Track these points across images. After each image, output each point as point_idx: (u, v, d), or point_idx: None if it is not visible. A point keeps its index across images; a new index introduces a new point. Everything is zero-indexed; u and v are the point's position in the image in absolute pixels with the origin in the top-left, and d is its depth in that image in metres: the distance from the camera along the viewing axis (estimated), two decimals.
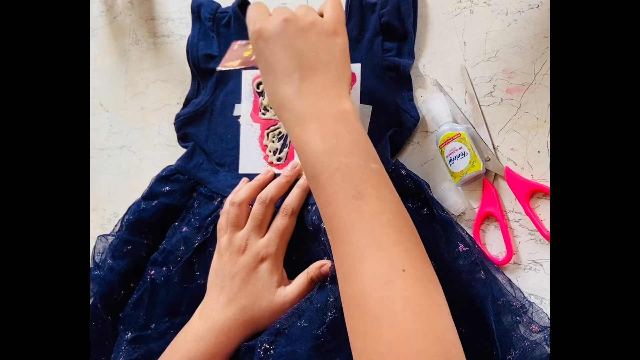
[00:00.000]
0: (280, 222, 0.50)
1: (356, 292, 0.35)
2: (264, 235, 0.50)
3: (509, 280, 0.45)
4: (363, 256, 0.36)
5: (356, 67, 0.54)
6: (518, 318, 0.42)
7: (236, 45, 0.48)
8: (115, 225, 0.57)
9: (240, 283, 0.48)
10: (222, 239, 0.50)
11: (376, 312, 0.34)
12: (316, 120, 0.41)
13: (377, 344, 0.33)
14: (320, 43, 0.43)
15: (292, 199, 0.51)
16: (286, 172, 0.53)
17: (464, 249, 0.44)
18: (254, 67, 0.50)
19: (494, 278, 0.44)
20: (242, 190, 0.52)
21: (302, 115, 0.41)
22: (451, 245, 0.45)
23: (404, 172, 0.49)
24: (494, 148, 0.48)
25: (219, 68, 0.49)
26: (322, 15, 0.45)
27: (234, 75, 0.59)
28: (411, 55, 0.52)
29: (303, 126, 0.41)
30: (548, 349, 0.41)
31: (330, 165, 0.39)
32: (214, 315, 0.47)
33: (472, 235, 0.47)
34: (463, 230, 0.47)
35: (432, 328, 0.33)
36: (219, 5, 0.61)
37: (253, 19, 0.44)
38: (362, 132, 0.42)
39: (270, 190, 0.51)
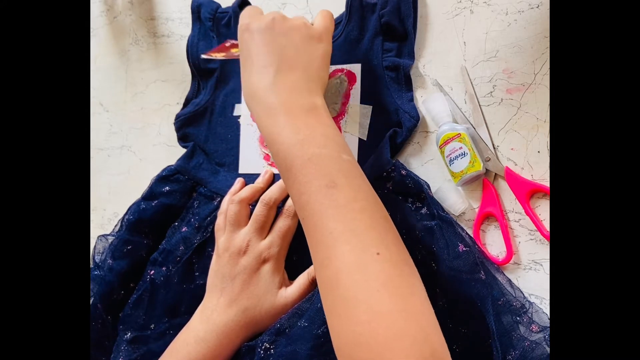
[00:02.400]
0: (283, 223, 0.50)
1: (331, 276, 0.36)
2: (266, 236, 0.50)
3: (509, 280, 0.45)
4: (337, 241, 0.36)
5: (356, 67, 0.54)
6: (518, 318, 0.42)
7: (229, 42, 0.50)
8: (115, 225, 0.57)
9: (241, 284, 0.48)
10: (221, 239, 0.50)
11: (352, 294, 0.34)
12: (288, 113, 0.42)
13: (354, 324, 0.33)
14: (303, 45, 0.45)
15: None
16: None
17: (464, 249, 0.44)
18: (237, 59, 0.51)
19: (494, 278, 0.44)
20: (243, 190, 0.52)
21: (274, 107, 0.42)
22: (451, 245, 0.45)
23: (404, 172, 0.49)
24: (494, 148, 0.48)
25: (203, 56, 0.51)
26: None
27: (234, 76, 0.59)
28: (411, 56, 0.52)
29: (274, 118, 0.42)
30: (548, 349, 0.41)
31: (302, 156, 0.39)
32: (215, 317, 0.47)
33: (472, 235, 0.47)
34: (463, 230, 0.47)
35: (407, 308, 0.34)
36: (219, 5, 0.61)
37: (245, 15, 0.47)
38: (333, 126, 0.43)
39: (274, 192, 0.51)
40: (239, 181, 0.54)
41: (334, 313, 0.35)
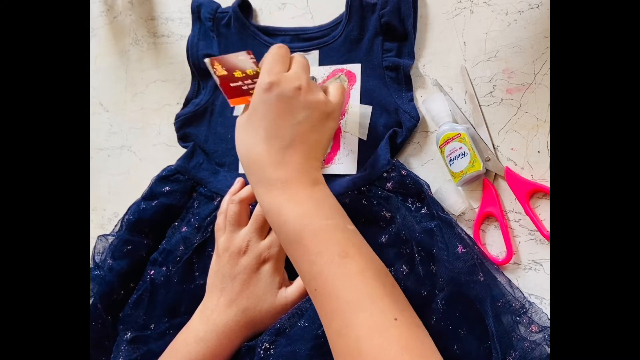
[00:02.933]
0: None
1: (350, 344, 0.36)
2: (266, 236, 0.50)
3: (509, 281, 0.45)
4: (355, 309, 0.36)
5: (356, 67, 0.54)
6: (518, 318, 0.42)
7: (242, 55, 0.47)
8: (115, 225, 0.57)
9: (241, 284, 0.48)
10: (221, 239, 0.50)
11: (375, 358, 0.34)
12: (292, 188, 0.42)
13: None
14: (319, 122, 0.45)
15: None
16: None
17: (463, 250, 0.44)
18: (220, 86, 0.49)
19: (493, 279, 0.44)
20: (243, 189, 0.52)
21: (278, 182, 0.42)
22: (450, 247, 0.45)
23: (404, 172, 0.49)
24: (494, 148, 0.48)
25: (207, 60, 0.48)
26: (325, 91, 0.48)
27: None
28: (411, 56, 0.52)
29: (278, 191, 0.42)
30: (548, 349, 0.41)
31: (312, 227, 0.40)
32: (215, 317, 0.47)
33: (472, 235, 0.47)
34: (463, 231, 0.46)
35: None
36: (219, 5, 0.61)
37: (270, 67, 0.45)
38: (334, 198, 0.44)
39: None
40: (238, 181, 0.54)
41: None
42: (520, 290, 0.44)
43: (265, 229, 0.50)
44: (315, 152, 0.45)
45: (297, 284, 0.49)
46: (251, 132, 0.44)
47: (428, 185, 0.48)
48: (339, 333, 0.37)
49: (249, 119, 0.45)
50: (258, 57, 0.48)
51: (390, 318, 0.36)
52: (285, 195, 0.42)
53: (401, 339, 0.35)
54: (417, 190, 0.48)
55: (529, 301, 0.44)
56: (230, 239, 0.49)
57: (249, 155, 0.44)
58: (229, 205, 0.51)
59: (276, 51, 0.46)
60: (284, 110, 0.43)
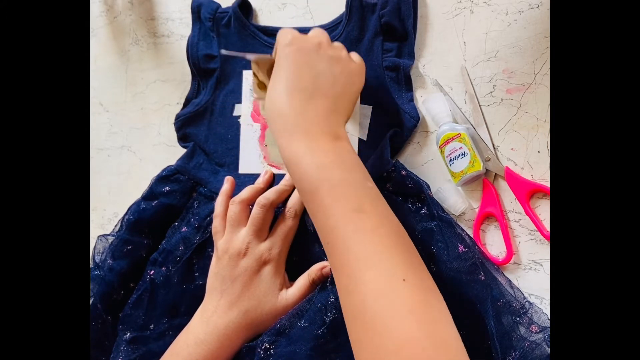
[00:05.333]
0: (284, 224, 0.50)
1: (357, 303, 0.35)
2: (265, 238, 0.50)
3: (509, 281, 0.45)
4: (363, 267, 0.36)
5: None
6: (518, 319, 0.42)
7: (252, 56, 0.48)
8: (115, 225, 0.57)
9: (242, 286, 0.48)
10: (220, 241, 0.50)
11: (378, 321, 0.33)
12: (314, 137, 0.41)
13: (381, 354, 0.33)
14: (342, 77, 0.45)
15: (295, 201, 0.51)
16: (287, 178, 0.53)
17: (463, 249, 0.44)
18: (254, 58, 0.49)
19: (493, 279, 0.44)
20: (243, 190, 0.52)
21: (300, 131, 0.41)
22: (451, 246, 0.45)
23: (404, 172, 0.49)
24: (494, 148, 0.48)
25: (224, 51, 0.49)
26: None
27: (234, 76, 0.59)
28: (411, 56, 0.52)
29: (300, 140, 0.41)
30: (548, 349, 0.41)
31: (331, 179, 0.39)
32: (216, 319, 0.47)
33: (472, 235, 0.47)
34: (463, 230, 0.47)
35: (435, 335, 0.33)
36: (219, 5, 0.61)
37: (288, 32, 0.45)
38: (356, 154, 0.43)
39: (271, 194, 0.51)
40: (228, 180, 0.53)
41: (361, 342, 0.35)
42: (520, 290, 0.44)
43: (263, 231, 0.50)
44: (337, 106, 0.44)
45: (298, 285, 0.49)
46: (276, 86, 0.44)
47: (428, 185, 0.48)
48: (347, 290, 0.36)
49: (275, 76, 0.45)
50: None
51: (399, 278, 0.35)
52: (306, 145, 0.41)
53: (408, 301, 0.34)
54: (417, 190, 0.48)
55: (529, 301, 0.44)
56: (229, 241, 0.49)
57: (272, 107, 0.44)
58: (229, 205, 0.51)
59: (287, 28, 0.47)
60: (304, 62, 0.44)
